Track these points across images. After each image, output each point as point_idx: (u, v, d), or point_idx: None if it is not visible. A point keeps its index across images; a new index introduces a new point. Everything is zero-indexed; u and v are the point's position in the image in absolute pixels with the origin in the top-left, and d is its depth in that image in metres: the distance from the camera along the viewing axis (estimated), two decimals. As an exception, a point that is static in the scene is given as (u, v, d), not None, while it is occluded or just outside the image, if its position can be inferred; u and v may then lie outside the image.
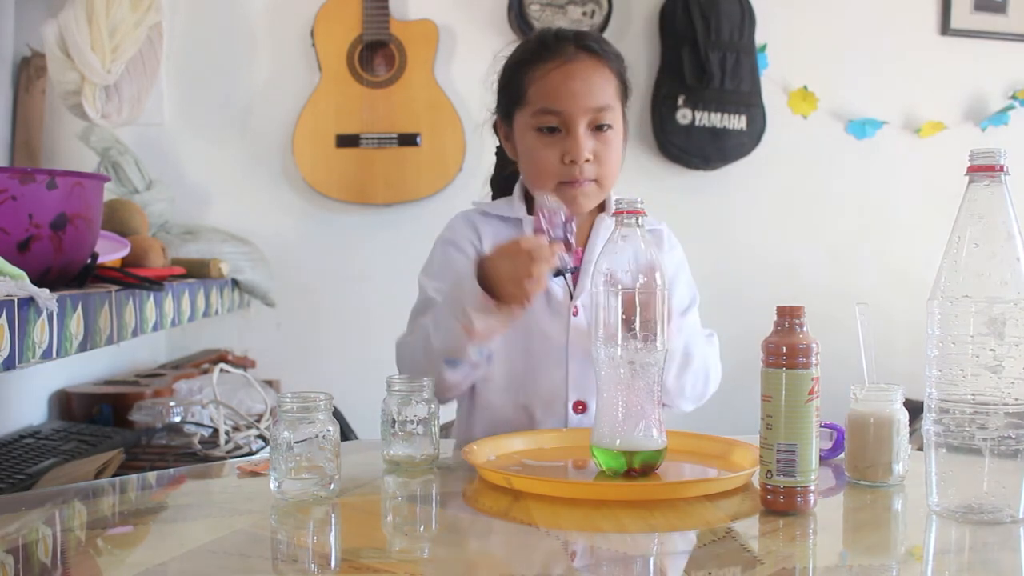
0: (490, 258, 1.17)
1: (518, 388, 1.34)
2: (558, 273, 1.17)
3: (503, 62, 1.38)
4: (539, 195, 1.23)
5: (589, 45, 1.31)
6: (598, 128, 1.29)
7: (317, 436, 0.95)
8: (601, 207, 1.41)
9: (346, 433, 2.13)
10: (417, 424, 1.08)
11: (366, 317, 2.64)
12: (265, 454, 1.35)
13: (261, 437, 1.74)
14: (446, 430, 1.52)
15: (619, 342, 1.02)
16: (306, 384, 2.41)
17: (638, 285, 1.03)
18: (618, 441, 1.02)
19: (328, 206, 2.62)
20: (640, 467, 1.02)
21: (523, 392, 1.33)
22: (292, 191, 2.62)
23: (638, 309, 1.03)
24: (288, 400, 0.96)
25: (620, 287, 1.03)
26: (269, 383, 2.40)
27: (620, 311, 1.03)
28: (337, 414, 1.83)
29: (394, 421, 1.09)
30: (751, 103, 2.65)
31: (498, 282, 1.14)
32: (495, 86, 1.39)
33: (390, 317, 2.63)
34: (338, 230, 2.64)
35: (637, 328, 1.02)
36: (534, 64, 1.31)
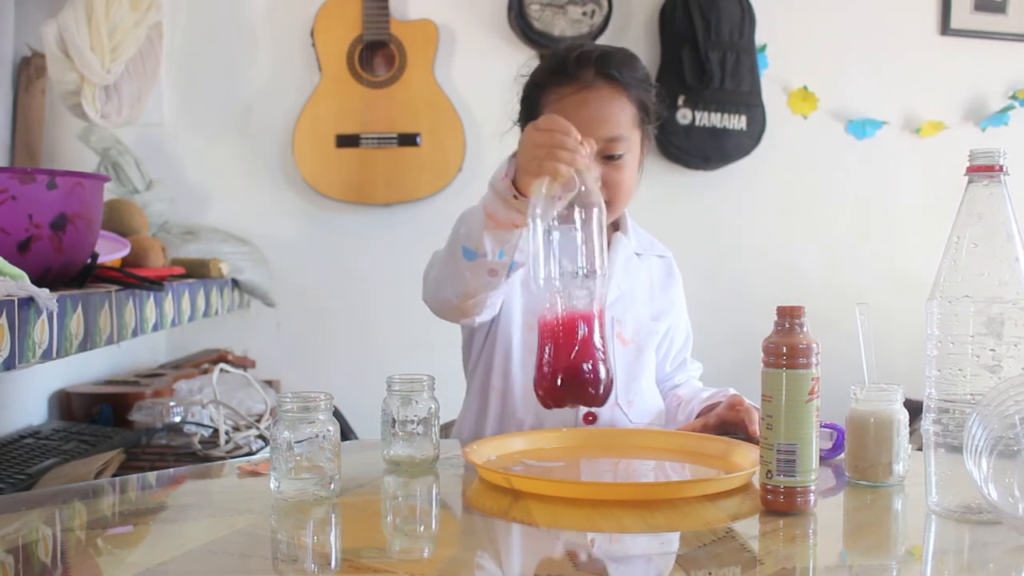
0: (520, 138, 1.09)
1: (530, 397, 1.35)
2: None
3: (528, 73, 1.39)
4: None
5: (610, 72, 1.30)
6: (608, 157, 1.29)
7: (317, 436, 0.95)
8: (616, 226, 1.45)
9: (346, 433, 2.13)
10: (417, 424, 1.08)
11: (366, 317, 2.65)
12: (265, 454, 1.35)
13: (261, 437, 1.74)
14: (446, 430, 1.52)
15: (558, 275, 1.02)
16: (306, 384, 2.42)
17: (580, 217, 1.03)
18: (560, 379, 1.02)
19: (328, 206, 2.62)
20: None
21: (534, 401, 1.35)
22: (292, 191, 2.63)
23: (580, 242, 1.03)
24: (288, 400, 0.96)
25: (559, 221, 1.03)
26: (269, 383, 2.40)
27: (560, 247, 1.03)
28: (337, 414, 1.83)
29: (394, 421, 1.08)
30: (751, 103, 2.65)
31: (520, 154, 1.07)
32: (519, 96, 1.40)
33: (390, 316, 2.66)
34: (338, 230, 2.64)
35: (580, 262, 1.02)
36: (550, 86, 1.32)
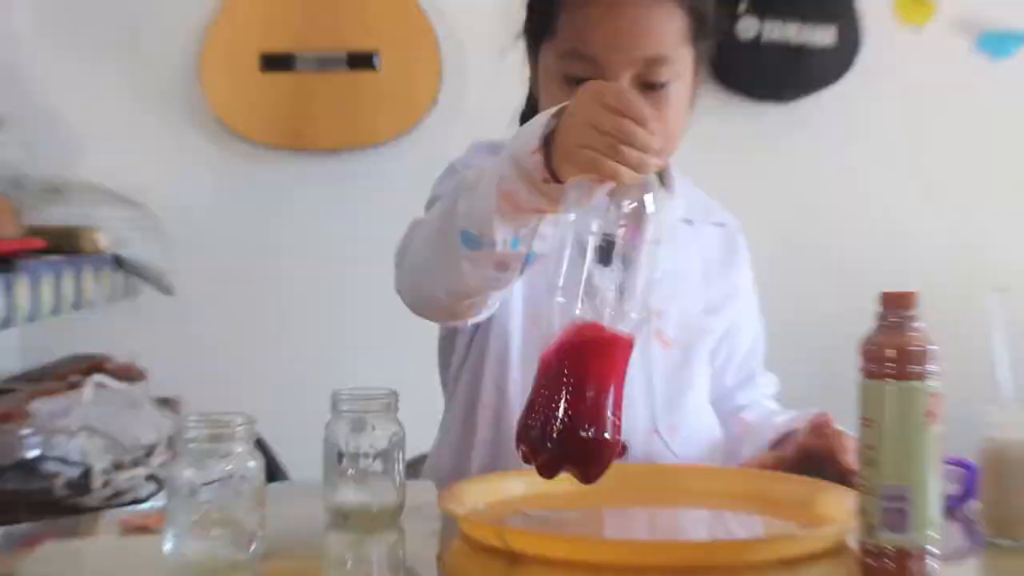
0: (570, 104, 1.06)
1: None
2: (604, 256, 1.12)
3: None
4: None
5: None
6: (648, 85, 1.28)
7: (232, 477, 0.95)
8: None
9: (274, 471, 2.13)
10: (374, 459, 1.08)
11: (303, 308, 2.65)
12: (159, 502, 1.35)
13: (153, 478, 1.74)
14: (416, 467, 1.52)
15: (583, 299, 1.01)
16: (218, 403, 2.39)
17: (621, 222, 1.02)
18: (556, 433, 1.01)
19: (249, 154, 2.61)
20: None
21: None
22: (198, 133, 2.62)
23: (619, 254, 1.02)
24: (192, 426, 0.96)
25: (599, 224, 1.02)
26: (166, 402, 2.39)
27: (594, 256, 1.01)
28: (261, 444, 1.82)
29: (341, 454, 1.08)
30: (841, 9, 2.65)
31: (568, 131, 1.04)
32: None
33: (337, 307, 2.65)
34: (264, 187, 2.63)
35: (616, 286, 1.01)
36: None
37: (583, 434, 1.00)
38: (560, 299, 1.02)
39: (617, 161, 1.01)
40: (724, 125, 2.64)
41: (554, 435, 1.00)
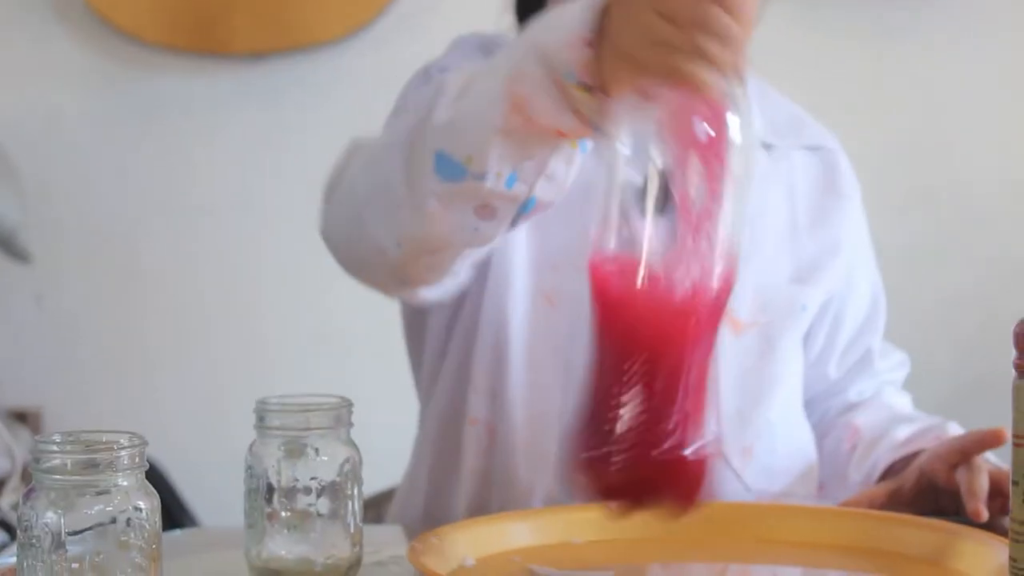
0: None
1: (548, 439, 1.37)
2: None
3: None
4: None
5: None
6: None
7: (114, 521, 0.95)
8: None
9: (175, 513, 2.14)
10: (319, 496, 1.08)
11: (217, 283, 2.65)
12: (9, 558, 1.35)
13: (1, 524, 1.75)
14: (379, 506, 1.53)
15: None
16: (93, 417, 2.40)
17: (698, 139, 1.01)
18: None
19: (140, 60, 2.62)
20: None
21: (554, 445, 1.37)
22: (67, 31, 2.62)
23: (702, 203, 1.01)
24: (55, 449, 0.96)
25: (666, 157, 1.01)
26: (20, 417, 2.40)
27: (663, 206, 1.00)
28: (156, 475, 1.83)
29: (272, 489, 1.08)
30: None
31: (629, 21, 1.02)
32: None
33: (264, 281, 2.63)
34: (160, 110, 2.64)
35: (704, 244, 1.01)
36: None
37: (686, 446, 1.00)
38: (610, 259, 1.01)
39: (700, 63, 0.98)
40: (823, 18, 2.64)
41: (637, 457, 1.00)
